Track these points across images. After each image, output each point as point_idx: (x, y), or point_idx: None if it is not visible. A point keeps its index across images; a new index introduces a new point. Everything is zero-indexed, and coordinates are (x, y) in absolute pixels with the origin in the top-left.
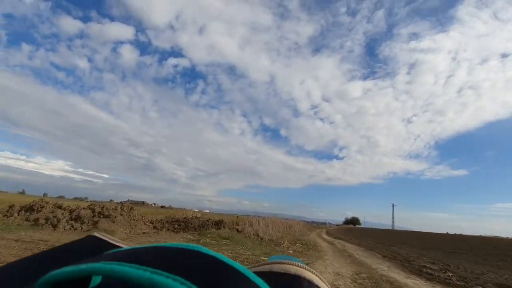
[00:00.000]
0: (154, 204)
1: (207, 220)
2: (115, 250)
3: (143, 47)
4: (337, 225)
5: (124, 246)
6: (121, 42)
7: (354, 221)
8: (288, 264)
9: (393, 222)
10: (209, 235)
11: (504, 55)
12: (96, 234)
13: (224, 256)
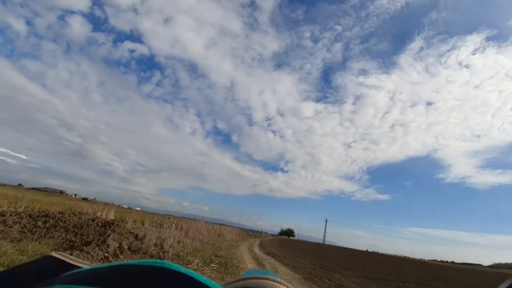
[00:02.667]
0: (75, 195)
1: (92, 220)
2: (74, 271)
3: (98, 23)
4: (272, 235)
5: (85, 266)
6: (72, 12)
7: (289, 232)
8: (263, 279)
9: (324, 236)
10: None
11: (429, 103)
12: (54, 254)
13: (195, 272)
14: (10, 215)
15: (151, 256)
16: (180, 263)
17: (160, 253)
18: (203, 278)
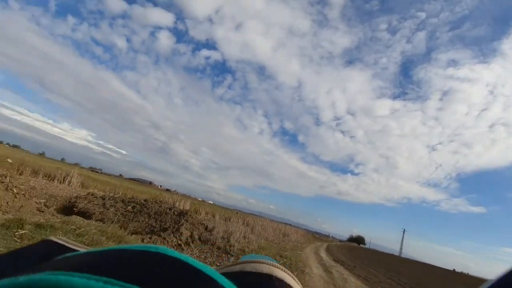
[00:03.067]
0: (161, 186)
1: (170, 209)
2: (69, 254)
3: (180, 35)
4: (340, 240)
5: (82, 249)
6: (160, 28)
7: (359, 239)
8: (260, 263)
9: (401, 249)
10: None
11: None
12: (53, 238)
13: (190, 257)
14: (108, 199)
15: (218, 249)
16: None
17: (227, 246)
18: (198, 263)
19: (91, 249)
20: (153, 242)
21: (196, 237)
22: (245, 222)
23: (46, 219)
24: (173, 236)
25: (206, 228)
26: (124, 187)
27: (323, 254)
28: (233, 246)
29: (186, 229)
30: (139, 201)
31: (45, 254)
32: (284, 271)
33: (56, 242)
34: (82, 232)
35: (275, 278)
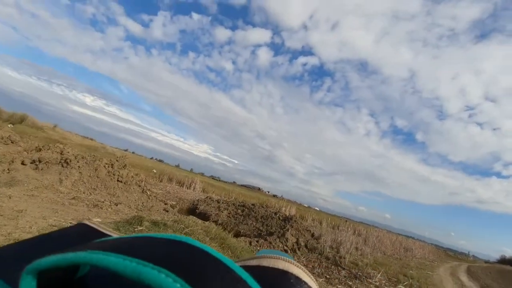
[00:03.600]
0: (268, 192)
1: (275, 213)
2: (104, 239)
3: (277, 48)
4: (485, 261)
5: (114, 235)
6: (259, 45)
7: None
8: (277, 258)
9: None
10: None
11: None
12: (86, 222)
13: (212, 248)
14: (222, 202)
15: (327, 259)
16: (359, 274)
17: (336, 257)
18: (218, 254)
19: (122, 235)
20: (260, 246)
21: (302, 244)
22: (356, 231)
23: (162, 218)
24: (279, 241)
25: (312, 235)
26: (236, 192)
27: (464, 277)
28: (344, 258)
29: (292, 235)
30: (248, 205)
31: (81, 236)
32: (299, 268)
33: (89, 226)
34: (189, 231)
35: (290, 274)
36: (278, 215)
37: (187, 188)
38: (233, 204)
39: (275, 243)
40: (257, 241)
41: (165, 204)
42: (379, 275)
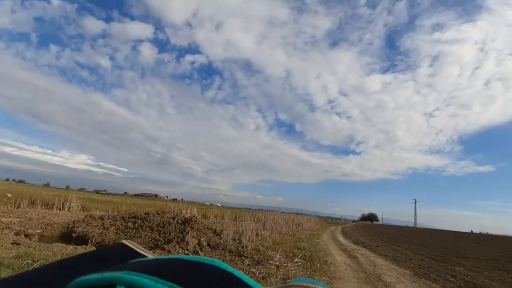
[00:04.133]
0: (167, 197)
1: (173, 218)
2: (140, 259)
3: (162, 45)
4: (353, 221)
5: (150, 255)
6: (141, 40)
7: (371, 217)
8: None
9: (415, 219)
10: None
11: None
12: (125, 242)
13: (243, 274)
14: (108, 218)
15: (231, 252)
16: (261, 259)
17: (239, 248)
18: (250, 280)
19: (157, 256)
20: None
21: (205, 243)
22: (256, 218)
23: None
24: (179, 246)
25: (214, 232)
26: (128, 203)
27: (341, 238)
28: (246, 247)
29: (193, 236)
30: (141, 215)
31: (119, 256)
32: None
33: (128, 246)
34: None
35: None
36: (176, 219)
37: (59, 209)
38: (122, 218)
39: (174, 250)
40: (153, 252)
41: (19, 235)
42: (278, 255)
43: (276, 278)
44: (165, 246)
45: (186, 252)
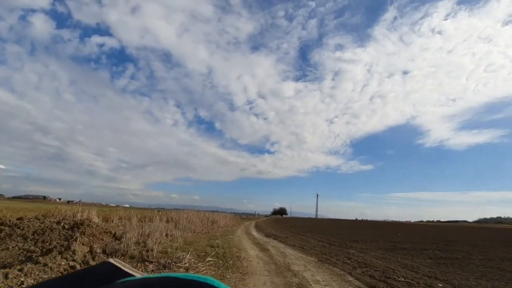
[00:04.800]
0: (60, 199)
1: (57, 223)
2: (128, 279)
3: (61, 19)
4: (265, 215)
5: (138, 275)
6: (33, 10)
7: (281, 211)
8: None
9: (317, 211)
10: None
11: (405, 72)
12: (112, 260)
13: None
14: None
15: (132, 258)
16: (168, 262)
17: (143, 252)
18: None
19: (145, 275)
20: (25, 275)
21: (99, 250)
22: (168, 218)
23: None
24: (61, 257)
25: (114, 236)
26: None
27: (254, 232)
28: (152, 250)
29: (83, 243)
30: (10, 222)
31: (106, 275)
32: None
33: (114, 265)
34: None
35: None
36: (62, 224)
37: None
38: None
39: (54, 262)
40: (19, 270)
41: None
42: (188, 255)
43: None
44: (41, 258)
45: (72, 263)
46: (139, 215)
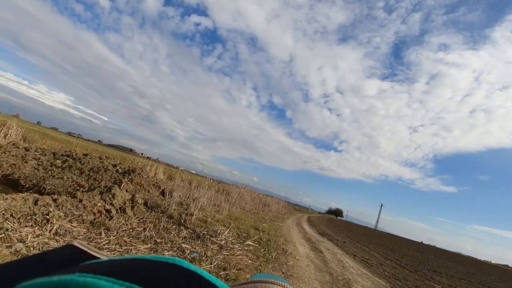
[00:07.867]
0: (142, 154)
1: (114, 166)
2: (93, 261)
3: None
4: (319, 212)
5: (103, 257)
6: None
7: (337, 212)
8: (271, 283)
9: (377, 222)
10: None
11: None
12: (75, 243)
13: (205, 272)
14: (35, 150)
15: (170, 218)
16: (204, 233)
17: (182, 215)
18: (212, 278)
19: (112, 257)
20: (57, 206)
21: (140, 201)
22: (220, 189)
23: None
24: (100, 198)
25: (162, 191)
26: (90, 148)
27: (306, 226)
28: (192, 215)
29: (126, 190)
30: (76, 155)
31: (69, 258)
32: None
33: (78, 247)
34: None
35: None
36: (117, 167)
37: None
38: (53, 154)
39: (90, 201)
40: (54, 200)
41: None
42: (227, 231)
43: (211, 263)
44: (79, 193)
45: (108, 207)
46: (199, 181)
